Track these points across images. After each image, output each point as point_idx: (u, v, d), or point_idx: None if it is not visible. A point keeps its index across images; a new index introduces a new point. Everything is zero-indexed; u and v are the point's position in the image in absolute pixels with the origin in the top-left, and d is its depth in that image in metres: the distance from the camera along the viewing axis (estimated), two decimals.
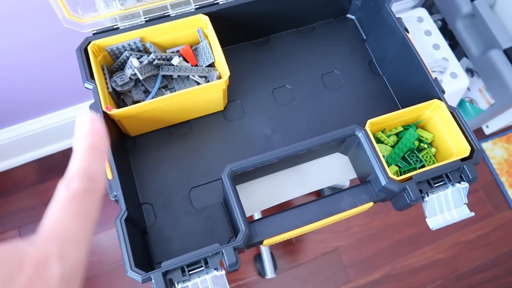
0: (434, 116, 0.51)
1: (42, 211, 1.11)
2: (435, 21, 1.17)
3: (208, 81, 0.54)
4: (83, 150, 0.22)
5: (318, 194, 1.10)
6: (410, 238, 1.19)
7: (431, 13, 1.17)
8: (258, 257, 1.12)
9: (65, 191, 0.21)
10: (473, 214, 0.46)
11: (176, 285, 0.40)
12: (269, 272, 1.09)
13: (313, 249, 1.16)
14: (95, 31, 0.51)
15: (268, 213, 0.48)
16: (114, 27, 0.51)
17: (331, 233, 1.18)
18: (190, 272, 0.41)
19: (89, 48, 0.49)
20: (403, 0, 1.26)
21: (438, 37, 1.02)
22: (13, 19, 0.76)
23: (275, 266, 1.10)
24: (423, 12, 1.05)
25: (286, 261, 1.14)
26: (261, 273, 1.10)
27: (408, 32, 0.54)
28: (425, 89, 0.52)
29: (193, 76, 0.54)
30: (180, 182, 0.53)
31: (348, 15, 0.65)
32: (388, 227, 1.19)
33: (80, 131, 0.23)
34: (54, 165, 1.17)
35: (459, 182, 0.46)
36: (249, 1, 0.55)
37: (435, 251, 1.18)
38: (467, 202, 0.46)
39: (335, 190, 0.49)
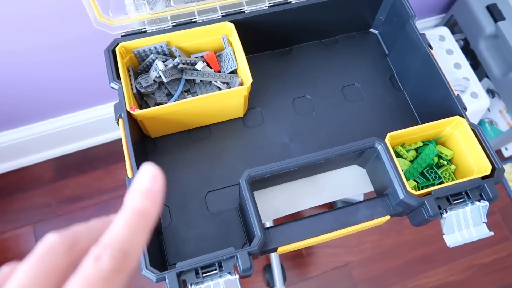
0: (455, 133, 0.51)
1: (56, 209, 1.12)
2: (457, 41, 1.17)
3: (230, 87, 0.54)
4: (129, 215, 0.20)
5: (331, 207, 1.10)
6: (422, 257, 1.17)
7: (453, 33, 1.17)
8: (268, 268, 1.11)
9: (92, 266, 0.18)
10: (492, 233, 0.45)
11: (189, 286, 0.40)
12: (278, 284, 1.08)
13: (324, 263, 1.14)
14: (123, 33, 0.52)
15: (281, 222, 0.48)
16: (142, 30, 0.53)
17: (342, 247, 1.16)
18: (204, 275, 0.41)
19: (117, 49, 0.51)
20: (425, 19, 1.26)
21: (459, 56, 1.01)
22: (42, 20, 0.78)
23: (284, 278, 1.10)
24: (445, 31, 1.04)
25: (295, 274, 1.13)
26: (270, 284, 1.09)
27: (431, 48, 0.54)
28: (446, 105, 0.52)
29: (216, 81, 0.55)
30: (197, 185, 0.53)
31: (371, 30, 0.66)
32: (400, 245, 1.17)
33: (137, 187, 0.21)
34: (71, 164, 1.19)
35: (478, 200, 0.45)
36: (274, 11, 0.56)
37: (448, 272, 1.16)
38: (486, 221, 0.45)
39: (348, 204, 0.49)
